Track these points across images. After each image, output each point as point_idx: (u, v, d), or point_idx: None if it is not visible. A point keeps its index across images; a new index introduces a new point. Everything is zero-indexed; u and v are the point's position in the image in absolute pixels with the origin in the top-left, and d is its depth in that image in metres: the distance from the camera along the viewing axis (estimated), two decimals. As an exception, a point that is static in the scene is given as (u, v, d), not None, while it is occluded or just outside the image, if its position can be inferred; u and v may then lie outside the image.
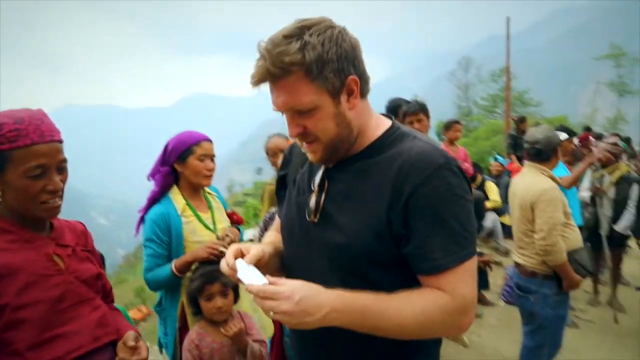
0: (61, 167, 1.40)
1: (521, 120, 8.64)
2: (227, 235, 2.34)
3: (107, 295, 1.64)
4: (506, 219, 6.91)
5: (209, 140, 2.41)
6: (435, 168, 1.11)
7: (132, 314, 8.16)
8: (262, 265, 1.22)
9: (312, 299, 1.02)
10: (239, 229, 2.50)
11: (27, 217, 1.40)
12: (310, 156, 1.24)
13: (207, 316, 2.09)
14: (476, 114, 38.95)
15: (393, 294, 1.09)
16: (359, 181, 1.20)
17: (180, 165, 2.37)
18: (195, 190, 2.43)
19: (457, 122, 5.45)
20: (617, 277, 5.12)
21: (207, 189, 2.55)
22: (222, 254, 2.21)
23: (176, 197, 2.37)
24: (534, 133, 3.36)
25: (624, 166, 5.02)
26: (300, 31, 1.08)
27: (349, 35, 1.15)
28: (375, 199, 1.15)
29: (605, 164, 4.94)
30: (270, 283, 1.06)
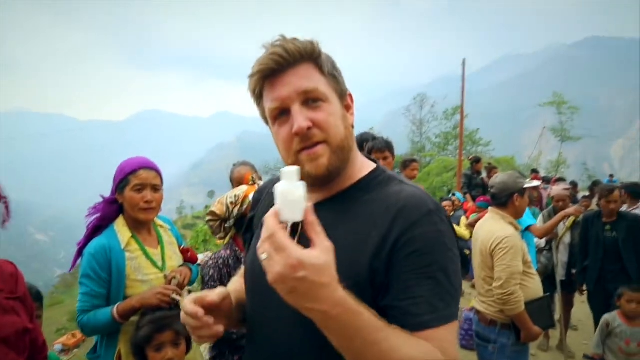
0: None
1: (476, 161, 8.87)
2: (173, 277, 2.11)
3: (38, 352, 1.35)
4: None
5: (150, 168, 2.15)
6: (425, 213, 1.01)
7: (65, 339, 7.54)
8: (223, 309, 1.12)
9: (314, 288, 0.81)
10: (191, 268, 2.28)
11: None
12: (310, 166, 1.05)
13: None
14: (429, 150, 40.26)
15: (392, 327, 0.91)
16: (338, 225, 1.06)
17: (120, 196, 2.15)
18: (141, 223, 2.19)
19: (414, 160, 5.46)
20: (567, 322, 5.18)
21: (158, 221, 2.32)
22: (173, 301, 2.00)
23: (121, 229, 2.13)
24: (494, 177, 3.38)
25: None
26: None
27: None
28: (357, 245, 1.02)
29: (557, 209, 5.04)
30: (306, 224, 0.85)
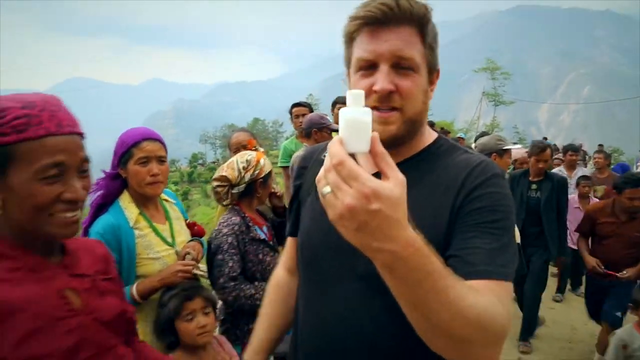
0: (84, 169, 1.06)
1: (430, 125, 9.11)
2: (187, 253, 2.03)
3: (133, 333, 1.30)
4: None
5: (154, 139, 2.02)
6: (491, 175, 1.04)
7: None
8: None
9: (387, 223, 0.69)
10: (201, 242, 2.19)
11: (35, 235, 1.05)
12: (379, 128, 1.00)
13: (189, 341, 1.79)
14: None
15: (455, 275, 0.82)
16: (411, 190, 1.03)
17: (123, 171, 2.00)
18: (148, 198, 2.06)
19: None
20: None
21: (163, 195, 2.20)
22: (194, 277, 1.94)
23: (128, 205, 2.00)
24: (479, 140, 3.52)
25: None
26: None
27: None
28: (433, 211, 1.03)
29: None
30: (375, 155, 0.72)
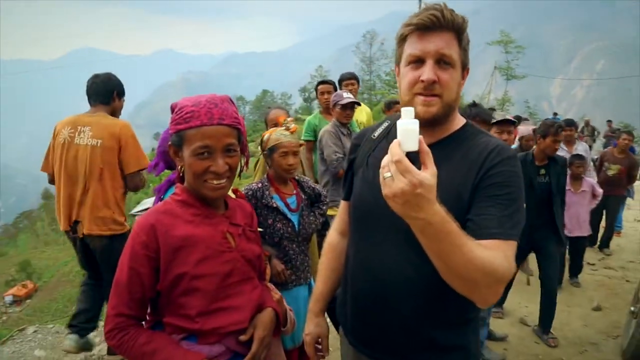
0: (228, 150, 1.44)
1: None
2: None
3: (262, 275, 1.73)
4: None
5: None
6: (508, 156, 1.31)
7: (16, 290, 7.41)
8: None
9: (423, 201, 1.00)
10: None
11: (199, 193, 1.48)
12: (422, 109, 1.31)
13: None
14: (379, 89, 40.04)
15: (469, 236, 1.12)
16: (442, 166, 1.25)
17: None
18: None
19: (397, 102, 5.71)
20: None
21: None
22: None
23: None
24: None
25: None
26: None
27: None
28: (459, 184, 1.30)
29: (525, 149, 5.48)
30: (421, 152, 1.03)
